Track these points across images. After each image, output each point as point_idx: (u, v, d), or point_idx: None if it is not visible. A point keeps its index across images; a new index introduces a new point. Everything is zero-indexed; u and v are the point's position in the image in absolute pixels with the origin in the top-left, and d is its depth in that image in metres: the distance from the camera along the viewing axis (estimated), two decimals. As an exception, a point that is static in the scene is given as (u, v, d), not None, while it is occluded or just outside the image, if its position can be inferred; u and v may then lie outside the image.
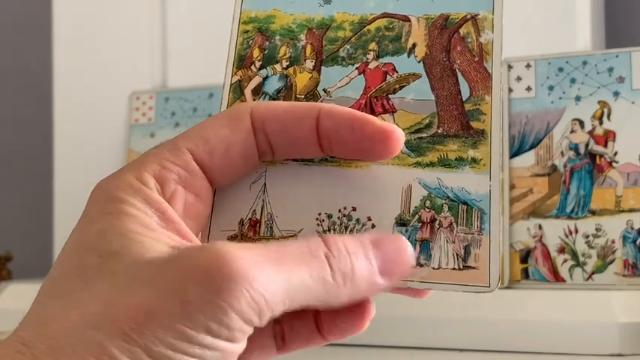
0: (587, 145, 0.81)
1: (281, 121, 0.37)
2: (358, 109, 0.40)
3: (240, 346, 0.32)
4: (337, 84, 0.41)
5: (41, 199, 1.20)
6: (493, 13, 0.41)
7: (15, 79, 1.37)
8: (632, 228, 0.78)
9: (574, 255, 0.80)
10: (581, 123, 0.82)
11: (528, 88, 0.84)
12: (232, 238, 0.38)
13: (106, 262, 0.32)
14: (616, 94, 0.81)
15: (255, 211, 0.39)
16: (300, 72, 0.42)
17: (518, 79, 0.84)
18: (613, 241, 0.78)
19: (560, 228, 0.81)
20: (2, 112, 1.40)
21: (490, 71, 0.40)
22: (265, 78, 0.42)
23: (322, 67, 0.41)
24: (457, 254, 0.38)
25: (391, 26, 0.41)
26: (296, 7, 0.42)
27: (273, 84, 0.41)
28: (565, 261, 0.80)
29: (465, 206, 0.38)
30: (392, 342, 0.80)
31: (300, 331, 0.38)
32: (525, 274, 0.81)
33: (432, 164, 0.39)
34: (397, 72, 0.41)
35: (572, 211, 0.81)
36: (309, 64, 0.41)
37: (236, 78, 0.41)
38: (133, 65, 1.05)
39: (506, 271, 0.81)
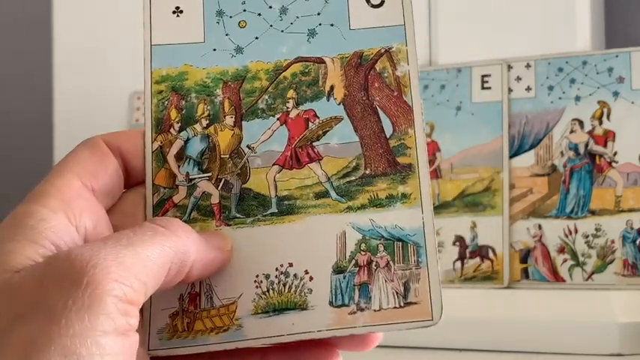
0: (586, 145, 0.81)
1: None
2: (284, 161, 0.40)
3: (133, 338, 0.32)
4: (260, 138, 0.40)
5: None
6: (406, 45, 0.40)
7: (15, 79, 1.37)
8: (632, 228, 0.78)
9: (574, 255, 0.80)
10: (581, 123, 0.82)
11: (528, 88, 0.84)
12: (174, 316, 0.38)
13: None
14: (616, 94, 0.81)
15: (193, 284, 0.39)
16: (221, 130, 0.41)
17: (518, 79, 0.84)
18: (613, 241, 0.78)
19: (559, 228, 0.81)
20: (2, 113, 1.40)
21: (410, 104, 0.40)
22: (187, 141, 0.41)
23: (243, 122, 0.40)
24: (397, 292, 0.38)
25: (307, 70, 0.41)
26: (208, 61, 0.41)
27: (196, 146, 0.40)
28: (565, 261, 0.80)
29: (401, 243, 0.38)
30: (392, 342, 0.80)
31: None
32: (525, 274, 0.81)
33: (363, 207, 0.39)
34: (318, 117, 0.40)
35: (571, 211, 0.81)
36: (230, 120, 0.41)
37: (157, 144, 0.40)
38: (134, 65, 1.05)
39: (506, 271, 0.81)
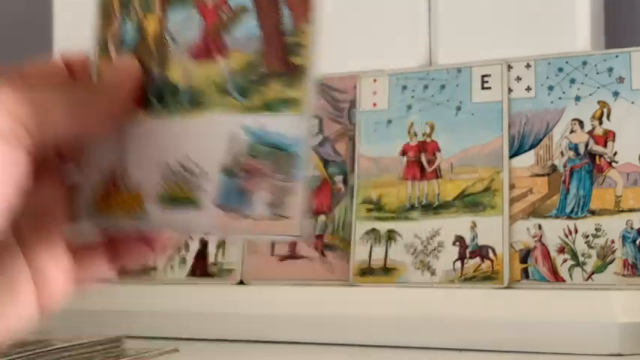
0: (586, 145, 0.81)
1: None
2: (197, 52, 0.42)
3: (17, 152, 0.34)
4: (179, 26, 0.42)
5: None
6: None
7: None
8: (632, 228, 0.78)
9: (574, 255, 0.80)
10: (581, 123, 0.82)
11: (528, 88, 0.84)
12: (96, 194, 0.42)
13: None
14: (615, 94, 0.81)
15: (114, 171, 0.42)
16: (150, 19, 0.43)
17: (518, 79, 0.84)
18: (613, 241, 0.79)
19: (559, 228, 0.81)
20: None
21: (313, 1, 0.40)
22: (124, 29, 0.44)
23: (169, 12, 0.43)
24: (272, 203, 0.39)
25: None
26: None
27: (130, 35, 0.43)
28: (565, 261, 0.80)
29: (283, 152, 0.39)
30: (391, 342, 0.80)
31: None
32: (525, 274, 0.81)
33: (257, 108, 0.40)
34: (229, 6, 0.42)
35: (571, 211, 0.81)
36: (157, 8, 0.43)
37: (100, 31, 0.44)
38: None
39: (506, 271, 0.81)
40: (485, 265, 0.82)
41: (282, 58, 0.40)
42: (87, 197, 0.43)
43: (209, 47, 0.42)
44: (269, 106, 0.40)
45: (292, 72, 0.40)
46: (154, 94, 0.42)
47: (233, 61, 0.41)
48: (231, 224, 0.40)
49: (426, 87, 0.88)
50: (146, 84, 0.42)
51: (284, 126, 0.39)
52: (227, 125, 0.40)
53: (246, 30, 0.41)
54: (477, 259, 0.82)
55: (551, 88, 0.83)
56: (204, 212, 0.40)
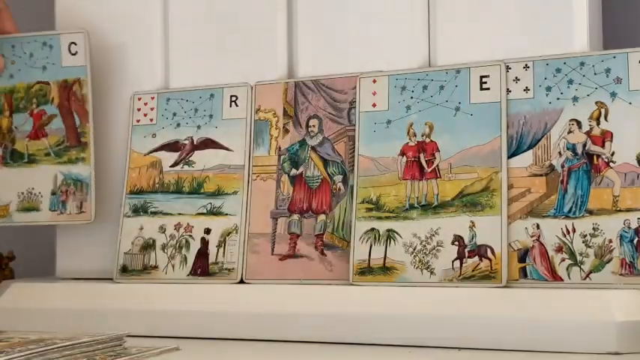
0: (584, 146, 0.82)
1: None
2: (32, 135, 1.01)
3: None
4: (21, 123, 1.01)
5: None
6: (87, 77, 0.99)
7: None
8: (629, 227, 0.79)
9: (572, 254, 0.80)
10: (579, 123, 0.82)
11: (526, 89, 0.85)
12: None
13: None
14: (613, 94, 0.81)
15: None
16: (2, 119, 1.01)
17: (516, 79, 0.85)
18: (610, 241, 0.79)
19: (557, 227, 0.81)
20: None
21: (88, 109, 0.99)
22: None
23: (13, 114, 1.01)
24: (77, 206, 0.99)
25: (41, 88, 1.01)
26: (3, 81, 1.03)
27: None
28: (563, 260, 0.81)
29: (80, 182, 0.98)
30: (390, 340, 0.81)
31: None
32: (523, 273, 0.82)
33: (68, 161, 1.00)
34: (47, 113, 1.00)
35: (569, 210, 0.81)
36: (6, 112, 1.01)
37: None
38: (135, 66, 1.05)
39: (504, 270, 0.81)
40: (484, 264, 0.82)
41: (77, 138, 0.98)
42: None
43: (37, 134, 0.99)
44: (73, 161, 0.98)
45: (82, 144, 0.98)
46: (9, 158, 1.01)
47: (51, 139, 1.00)
48: (58, 217, 0.98)
49: (425, 88, 0.89)
50: (4, 153, 1.00)
51: (80, 170, 0.97)
52: (52, 171, 0.99)
53: (57, 125, 1.00)
54: (476, 259, 0.83)
55: (549, 88, 0.84)
56: (42, 213, 0.99)
